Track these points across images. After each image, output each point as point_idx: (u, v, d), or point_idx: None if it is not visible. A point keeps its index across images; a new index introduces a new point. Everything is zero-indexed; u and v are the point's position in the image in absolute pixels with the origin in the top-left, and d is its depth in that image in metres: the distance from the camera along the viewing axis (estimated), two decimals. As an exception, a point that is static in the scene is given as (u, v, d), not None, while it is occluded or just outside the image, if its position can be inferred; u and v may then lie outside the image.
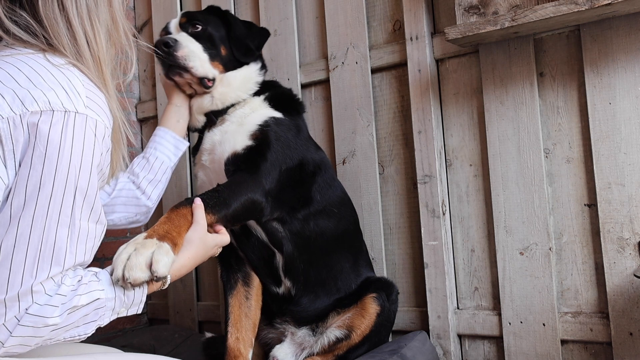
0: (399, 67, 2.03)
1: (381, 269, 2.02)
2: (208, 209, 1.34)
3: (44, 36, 1.05)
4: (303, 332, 1.71)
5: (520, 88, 1.79)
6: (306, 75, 2.22)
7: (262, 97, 1.74)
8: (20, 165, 0.94)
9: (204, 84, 1.66)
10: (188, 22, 1.71)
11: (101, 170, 1.08)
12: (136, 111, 2.77)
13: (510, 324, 1.79)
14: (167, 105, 1.71)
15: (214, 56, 1.67)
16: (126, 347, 2.09)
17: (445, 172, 1.94)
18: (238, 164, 1.56)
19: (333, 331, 1.66)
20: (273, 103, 1.73)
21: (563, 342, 1.73)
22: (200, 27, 1.69)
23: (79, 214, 0.98)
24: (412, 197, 2.00)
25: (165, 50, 1.60)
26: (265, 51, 2.30)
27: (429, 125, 1.91)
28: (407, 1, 1.97)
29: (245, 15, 2.42)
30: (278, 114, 1.69)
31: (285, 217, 1.62)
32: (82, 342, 1.32)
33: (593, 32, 1.68)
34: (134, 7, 2.82)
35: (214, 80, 1.68)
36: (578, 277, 1.72)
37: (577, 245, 1.73)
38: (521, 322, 1.77)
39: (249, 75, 1.75)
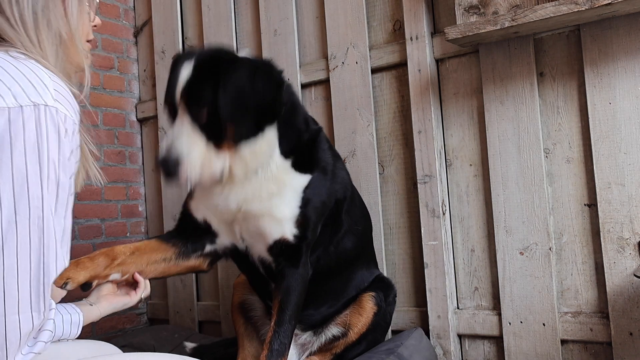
0: (399, 67, 2.03)
1: (381, 269, 2.01)
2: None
3: None
4: (306, 335, 1.71)
5: (520, 88, 1.79)
6: (306, 75, 2.22)
7: (289, 162, 1.49)
8: None
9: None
10: (190, 99, 1.34)
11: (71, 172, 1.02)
12: (136, 111, 2.77)
13: (510, 324, 1.79)
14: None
15: (220, 143, 1.35)
16: (126, 347, 2.09)
17: (445, 172, 1.94)
18: (283, 252, 1.49)
19: (330, 329, 1.67)
20: (302, 167, 1.51)
21: (563, 342, 1.73)
22: (203, 111, 1.33)
23: (64, 211, 0.95)
24: (412, 197, 2.00)
25: (170, 177, 1.34)
26: (266, 51, 2.30)
27: (429, 125, 1.91)
28: (407, 1, 1.96)
29: (245, 15, 2.42)
30: (306, 180, 1.51)
31: (320, 254, 1.61)
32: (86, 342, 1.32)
33: (593, 32, 1.68)
34: (134, 7, 2.82)
35: (224, 169, 1.39)
36: (578, 277, 1.72)
37: (577, 245, 1.73)
38: (521, 322, 1.77)
39: (266, 145, 1.43)
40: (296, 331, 1.69)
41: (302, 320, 1.67)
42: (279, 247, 1.48)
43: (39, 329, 0.94)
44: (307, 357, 1.67)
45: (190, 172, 1.32)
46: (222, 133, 1.34)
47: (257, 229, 1.49)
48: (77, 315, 1.19)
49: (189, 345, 2.01)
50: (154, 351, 2.09)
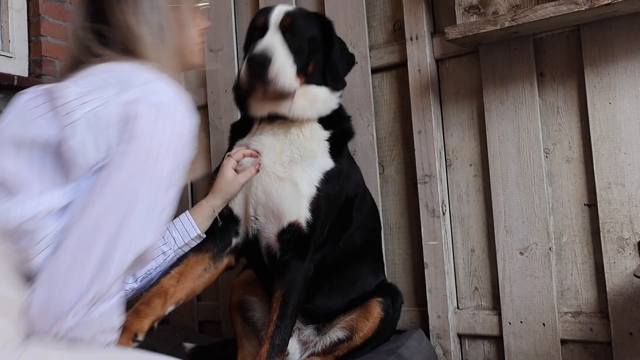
0: (399, 67, 2.03)
1: (381, 269, 2.02)
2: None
3: (127, 46, 1.15)
4: (309, 331, 1.70)
5: (520, 88, 1.79)
6: (306, 75, 2.22)
7: (327, 134, 1.63)
8: (113, 155, 1.00)
9: (283, 96, 1.56)
10: (289, 26, 1.56)
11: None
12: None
13: (510, 323, 1.79)
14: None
15: (300, 70, 1.55)
16: (126, 347, 2.09)
17: (445, 172, 1.94)
18: (293, 239, 1.51)
19: (336, 332, 1.66)
20: (333, 149, 1.62)
21: (563, 342, 1.73)
22: (298, 37, 1.56)
23: (165, 191, 1.05)
24: (412, 197, 2.00)
25: (259, 71, 1.48)
26: (265, 51, 2.30)
27: (429, 125, 1.91)
28: (407, 1, 1.96)
29: (245, 15, 2.42)
30: (330, 165, 1.60)
31: (326, 252, 1.62)
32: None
33: (593, 32, 1.68)
34: (134, 7, 2.82)
35: (293, 92, 1.55)
36: (578, 277, 1.72)
37: (577, 245, 1.73)
38: (521, 322, 1.77)
39: (330, 98, 1.65)
40: (299, 325, 1.70)
41: (305, 312, 1.68)
42: (291, 232, 1.50)
43: (100, 295, 0.97)
44: (309, 357, 1.67)
45: (278, 72, 1.49)
46: (303, 64, 1.56)
47: (275, 199, 1.51)
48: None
49: (188, 345, 2.01)
50: (154, 351, 2.09)
